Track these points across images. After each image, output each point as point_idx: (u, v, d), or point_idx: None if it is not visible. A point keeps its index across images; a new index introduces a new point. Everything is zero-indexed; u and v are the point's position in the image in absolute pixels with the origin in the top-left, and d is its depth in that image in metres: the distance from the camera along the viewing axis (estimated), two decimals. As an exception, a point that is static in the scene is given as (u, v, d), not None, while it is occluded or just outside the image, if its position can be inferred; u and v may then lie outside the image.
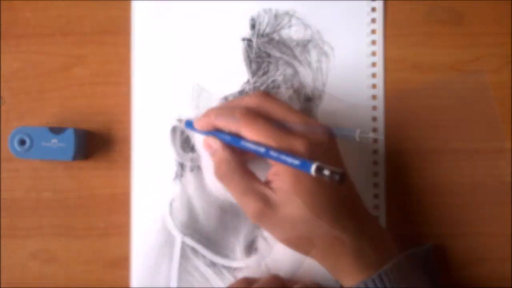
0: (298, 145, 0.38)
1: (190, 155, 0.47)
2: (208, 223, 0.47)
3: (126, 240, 0.47)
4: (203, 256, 0.47)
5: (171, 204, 0.47)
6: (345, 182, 0.35)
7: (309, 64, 0.47)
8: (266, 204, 0.39)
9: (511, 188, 0.46)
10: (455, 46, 0.47)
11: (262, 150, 0.38)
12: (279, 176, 0.39)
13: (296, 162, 0.36)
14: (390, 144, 0.47)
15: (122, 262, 0.47)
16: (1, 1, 0.48)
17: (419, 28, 0.47)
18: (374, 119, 0.47)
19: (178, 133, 0.47)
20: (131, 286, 0.47)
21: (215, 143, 0.41)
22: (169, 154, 0.47)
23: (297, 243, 0.40)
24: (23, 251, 0.47)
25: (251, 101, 0.41)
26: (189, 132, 0.47)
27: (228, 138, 0.40)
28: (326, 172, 0.35)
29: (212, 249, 0.47)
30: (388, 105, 0.47)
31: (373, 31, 0.47)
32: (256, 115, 0.39)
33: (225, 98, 0.47)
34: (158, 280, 0.47)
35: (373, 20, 0.47)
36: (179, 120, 0.47)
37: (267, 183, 0.40)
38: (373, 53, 0.47)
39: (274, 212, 0.39)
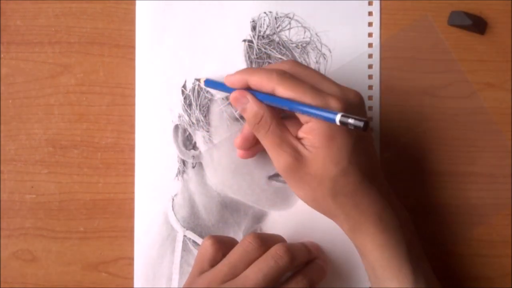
0: (333, 103, 0.38)
1: (192, 152, 0.49)
2: (209, 218, 0.49)
3: (127, 242, 0.49)
4: (204, 249, 0.49)
5: (173, 200, 0.49)
6: (368, 129, 0.36)
7: (308, 65, 0.48)
8: (298, 158, 0.39)
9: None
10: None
11: (292, 104, 0.39)
12: (311, 133, 0.39)
13: (324, 113, 0.37)
14: (385, 143, 0.49)
15: (122, 262, 0.49)
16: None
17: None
18: (370, 119, 0.48)
19: (180, 131, 0.49)
20: (135, 276, 0.48)
21: (246, 97, 0.41)
22: (172, 152, 0.49)
23: (321, 201, 0.40)
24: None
25: (283, 65, 0.41)
26: (192, 130, 0.48)
27: (260, 95, 0.41)
28: (351, 121, 0.36)
29: (212, 242, 0.49)
30: (384, 106, 0.48)
31: (370, 34, 0.49)
32: (291, 75, 0.40)
33: (227, 98, 0.48)
34: (161, 272, 0.48)
35: (370, 24, 0.49)
36: (198, 79, 0.48)
37: (298, 139, 0.40)
38: (370, 56, 0.48)
39: (303, 167, 0.39)
